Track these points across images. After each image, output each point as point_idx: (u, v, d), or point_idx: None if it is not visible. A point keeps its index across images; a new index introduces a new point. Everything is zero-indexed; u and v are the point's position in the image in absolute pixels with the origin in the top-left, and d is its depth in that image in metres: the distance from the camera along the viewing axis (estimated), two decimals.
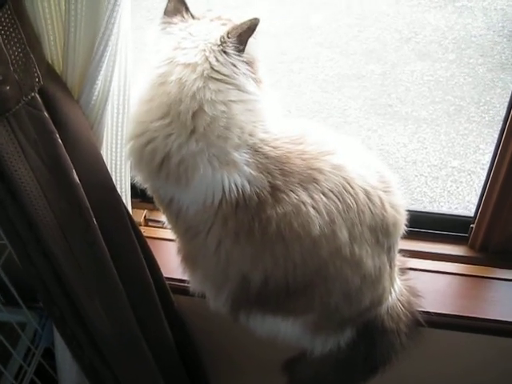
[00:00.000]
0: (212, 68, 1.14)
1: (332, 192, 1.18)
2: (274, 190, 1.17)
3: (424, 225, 1.68)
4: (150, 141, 1.17)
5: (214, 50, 1.15)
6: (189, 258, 1.34)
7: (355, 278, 1.25)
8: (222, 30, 1.18)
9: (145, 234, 1.51)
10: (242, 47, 1.15)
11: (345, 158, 1.22)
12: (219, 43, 1.16)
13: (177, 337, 1.56)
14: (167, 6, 1.22)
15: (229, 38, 1.15)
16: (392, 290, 1.40)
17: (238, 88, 1.16)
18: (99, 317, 1.29)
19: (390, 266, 1.34)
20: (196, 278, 1.37)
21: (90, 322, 1.31)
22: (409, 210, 1.35)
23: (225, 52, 1.15)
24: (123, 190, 1.47)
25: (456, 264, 1.63)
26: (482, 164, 3.29)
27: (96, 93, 1.16)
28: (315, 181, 1.18)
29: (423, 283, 1.53)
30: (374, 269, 1.26)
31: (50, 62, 1.10)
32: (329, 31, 4.34)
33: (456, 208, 3.09)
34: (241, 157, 1.16)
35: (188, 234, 1.28)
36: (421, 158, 3.39)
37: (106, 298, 1.29)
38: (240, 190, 1.16)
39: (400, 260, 1.48)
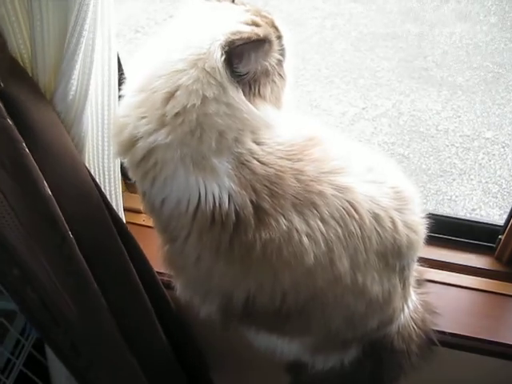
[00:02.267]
0: (203, 54, 1.02)
1: (333, 218, 1.06)
2: (259, 211, 1.05)
3: (447, 231, 1.56)
4: (125, 116, 1.07)
5: (216, 40, 1.03)
6: (170, 261, 1.23)
7: (359, 304, 1.15)
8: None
9: (143, 223, 1.44)
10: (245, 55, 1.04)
11: (353, 176, 1.09)
12: (225, 40, 1.03)
13: (175, 339, 1.51)
14: None
15: (234, 41, 1.02)
16: (405, 306, 1.30)
17: (222, 87, 1.03)
18: (81, 329, 1.23)
19: (404, 286, 1.24)
20: (180, 284, 1.27)
21: (71, 330, 1.25)
22: (431, 214, 1.25)
23: (225, 51, 1.02)
24: (112, 192, 1.38)
25: (479, 278, 1.51)
26: None
27: (72, 91, 1.06)
28: (313, 205, 1.05)
29: (441, 298, 1.43)
30: (383, 293, 1.16)
31: (19, 59, 1.01)
32: None
33: (486, 182, 2.99)
34: (221, 165, 1.04)
35: (166, 235, 1.18)
36: (453, 127, 3.28)
37: (87, 311, 1.21)
38: (217, 203, 1.05)
39: (417, 270, 1.38)
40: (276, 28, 1.11)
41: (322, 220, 1.05)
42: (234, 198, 1.04)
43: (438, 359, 1.39)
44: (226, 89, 1.02)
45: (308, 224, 1.05)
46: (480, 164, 3.08)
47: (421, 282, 1.43)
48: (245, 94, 1.05)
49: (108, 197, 1.32)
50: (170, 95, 1.02)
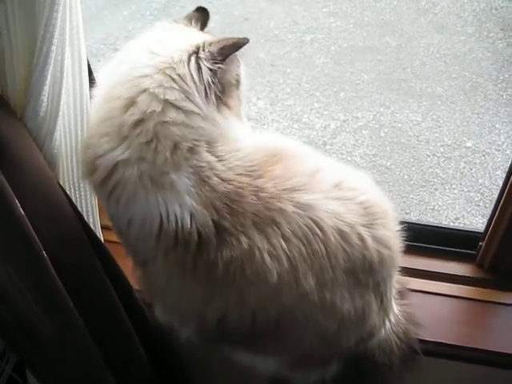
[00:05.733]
0: (171, 62, 1.03)
1: (295, 236, 1.04)
2: (220, 230, 1.02)
3: (427, 239, 1.56)
4: (89, 135, 1.07)
5: (185, 50, 1.04)
6: (144, 285, 1.22)
7: (330, 323, 1.13)
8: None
9: None
10: (219, 59, 1.03)
11: (316, 193, 1.07)
12: (197, 46, 1.05)
13: (156, 356, 1.49)
14: (190, 13, 1.17)
15: (210, 45, 1.04)
16: (387, 320, 1.28)
17: (185, 94, 1.02)
18: (57, 349, 1.21)
19: (381, 301, 1.21)
20: (157, 308, 1.25)
21: (47, 350, 1.22)
22: (410, 223, 1.24)
23: (197, 56, 1.04)
24: (89, 210, 1.36)
25: (461, 286, 1.51)
26: (498, 145, 3.20)
27: (43, 108, 1.04)
28: (274, 223, 1.03)
29: (423, 307, 1.41)
30: (355, 310, 1.13)
31: None
32: (342, 0, 4.18)
33: (468, 191, 2.99)
34: (180, 181, 1.02)
35: (137, 259, 1.17)
36: (434, 137, 3.29)
37: (63, 330, 1.18)
38: (180, 223, 1.03)
39: (399, 281, 1.37)
40: (237, 58, 1.11)
41: (284, 238, 1.03)
42: (195, 218, 1.02)
43: (422, 369, 1.37)
44: (189, 95, 1.02)
45: (270, 242, 1.03)
46: (461, 173, 3.09)
47: (403, 293, 1.41)
48: (216, 101, 1.06)
49: (84, 215, 1.30)
50: (131, 101, 1.01)
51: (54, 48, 0.97)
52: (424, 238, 1.55)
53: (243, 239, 1.02)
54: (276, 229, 1.03)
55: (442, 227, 1.65)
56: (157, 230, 1.04)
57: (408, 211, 2.92)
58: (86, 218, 1.29)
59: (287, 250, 1.03)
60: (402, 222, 1.23)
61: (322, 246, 1.05)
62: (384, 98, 3.53)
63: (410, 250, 1.28)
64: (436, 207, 2.93)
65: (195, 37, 1.10)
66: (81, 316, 1.20)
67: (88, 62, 1.34)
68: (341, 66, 3.74)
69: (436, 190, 3.01)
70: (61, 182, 1.21)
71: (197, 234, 1.03)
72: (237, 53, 1.09)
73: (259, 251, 1.02)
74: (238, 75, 1.13)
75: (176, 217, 1.02)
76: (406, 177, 3.08)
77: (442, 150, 3.21)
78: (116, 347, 1.35)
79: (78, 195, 1.30)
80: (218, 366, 1.61)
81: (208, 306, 1.11)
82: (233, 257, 1.02)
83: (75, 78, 1.13)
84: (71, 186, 1.28)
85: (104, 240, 1.42)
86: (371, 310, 1.18)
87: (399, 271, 1.32)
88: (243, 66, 1.16)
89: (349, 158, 3.20)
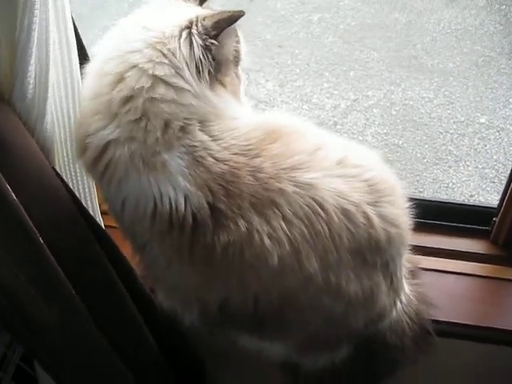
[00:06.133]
0: (162, 37, 0.99)
1: (296, 217, 1.00)
2: (216, 213, 0.99)
3: (438, 216, 1.51)
4: (82, 114, 1.05)
5: (178, 25, 1.01)
6: (144, 271, 1.20)
7: (336, 305, 1.10)
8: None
9: None
10: (213, 34, 1.00)
11: (317, 172, 1.03)
12: (190, 21, 1.01)
13: (165, 342, 1.46)
14: None
15: (204, 20, 1.00)
16: (398, 301, 1.25)
17: (176, 69, 0.99)
18: (59, 336, 1.18)
19: (391, 281, 1.18)
20: (160, 293, 1.22)
21: (49, 338, 1.19)
22: (421, 199, 1.21)
23: (189, 31, 1.00)
24: (87, 196, 1.33)
25: (475, 263, 1.46)
26: None
27: (30, 90, 1.00)
28: (274, 204, 0.99)
29: (436, 286, 1.38)
30: (363, 292, 1.10)
31: None
32: None
33: (483, 168, 2.94)
34: (173, 161, 0.99)
35: (134, 244, 1.14)
36: (447, 113, 3.22)
37: (65, 318, 1.15)
38: (174, 206, 0.99)
39: (410, 260, 1.33)
40: (237, 32, 1.09)
41: (285, 219, 1.00)
42: (190, 200, 0.99)
43: (436, 350, 1.34)
44: (180, 71, 0.98)
45: (269, 224, 0.99)
46: (475, 149, 3.03)
47: (414, 272, 1.37)
48: (209, 78, 1.02)
49: (83, 201, 1.27)
50: (120, 77, 0.98)
51: (36, 20, 0.93)
52: (435, 215, 1.51)
53: (241, 222, 0.99)
54: (276, 210, 1.00)
55: (453, 203, 1.61)
56: (151, 213, 1.01)
57: (422, 190, 2.87)
58: (84, 203, 1.25)
59: (288, 232, 1.00)
60: (412, 199, 1.20)
61: (325, 227, 1.01)
62: (394, 76, 3.46)
63: (421, 228, 1.25)
64: (450, 185, 2.88)
65: (191, 12, 1.06)
66: (83, 302, 1.18)
67: (80, 37, 1.30)
68: (350, 45, 3.67)
69: (450, 167, 2.95)
70: (57, 168, 1.18)
71: (191, 217, 1.00)
72: (236, 28, 1.06)
73: (258, 234, 0.99)
74: (236, 51, 1.10)
75: (170, 199, 0.99)
76: (418, 155, 3.03)
77: (455, 126, 3.15)
78: (121, 332, 1.33)
79: (75, 181, 1.28)
80: (227, 351, 1.59)
81: (209, 290, 1.09)
82: (230, 240, 0.99)
83: (63, 56, 1.10)
84: (67, 172, 1.25)
85: (105, 225, 1.38)
86: (380, 291, 1.14)
87: (410, 250, 1.28)
88: (243, 41, 1.12)
89: (360, 138, 3.15)
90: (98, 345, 1.25)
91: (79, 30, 1.30)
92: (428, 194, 2.85)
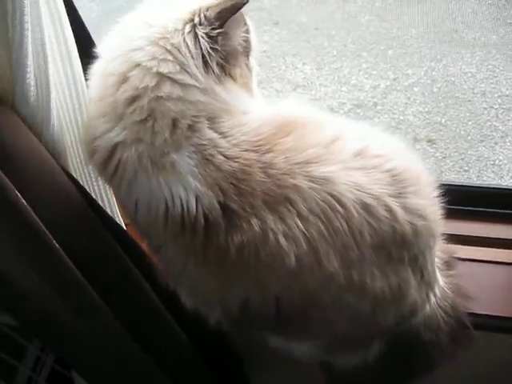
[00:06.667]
0: (165, 32, 0.96)
1: (312, 214, 0.96)
2: (228, 213, 0.96)
3: (476, 202, 1.44)
4: (89, 116, 1.03)
5: (181, 18, 0.97)
6: (164, 271, 1.17)
7: (362, 303, 1.06)
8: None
9: None
10: (218, 24, 0.96)
11: (334, 165, 0.98)
12: (192, 13, 0.97)
13: (197, 337, 1.45)
14: None
15: (207, 10, 0.96)
16: (431, 295, 1.19)
17: (181, 65, 0.95)
18: (84, 341, 1.18)
19: (422, 275, 1.12)
20: (182, 293, 1.18)
21: (76, 342, 1.19)
22: (457, 185, 1.15)
23: (193, 23, 0.96)
24: (103, 196, 1.32)
25: None
26: None
27: (31, 92, 0.98)
28: (288, 201, 0.95)
29: (474, 277, 1.31)
30: (390, 289, 1.05)
31: None
32: None
33: None
34: (182, 161, 0.96)
35: (151, 245, 1.12)
36: (490, 88, 3.13)
37: (88, 322, 1.15)
38: (185, 207, 0.97)
39: (445, 250, 1.27)
40: (245, 21, 1.05)
41: (300, 217, 0.96)
42: (201, 200, 0.96)
43: (474, 344, 1.28)
44: (185, 66, 0.95)
45: (284, 222, 0.95)
46: None
47: (450, 263, 1.32)
48: (218, 71, 0.99)
49: (100, 201, 1.26)
50: (124, 77, 0.95)
51: (27, 18, 0.90)
52: (470, 201, 1.44)
53: (254, 221, 0.95)
54: (290, 207, 0.95)
55: (490, 187, 1.52)
56: (163, 215, 0.99)
57: (467, 168, 2.80)
58: (102, 204, 1.25)
59: (304, 230, 0.96)
60: (442, 185, 1.13)
61: (344, 223, 0.97)
62: (435, 52, 3.38)
63: (454, 215, 1.19)
64: (497, 162, 2.80)
65: (194, 3, 1.02)
66: (104, 299, 1.16)
67: (91, 36, 1.28)
68: (387, 23, 3.59)
69: (496, 144, 2.87)
70: (72, 171, 1.17)
71: (203, 218, 0.97)
72: (245, 17, 1.03)
73: (273, 233, 0.95)
74: (246, 41, 1.06)
75: (181, 199, 0.97)
76: (462, 132, 2.95)
77: (499, 101, 3.05)
78: (153, 334, 1.32)
79: (90, 182, 1.27)
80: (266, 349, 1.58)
81: (227, 291, 1.06)
82: (244, 241, 0.96)
83: (63, 57, 1.08)
84: (82, 174, 1.24)
85: (126, 224, 1.37)
86: (409, 286, 1.09)
87: (444, 239, 1.22)
88: (253, 30, 1.08)
89: (401, 118, 3.09)
90: (121, 341, 1.25)
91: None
92: (474, 173, 2.77)
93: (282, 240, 0.96)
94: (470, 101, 3.08)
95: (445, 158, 2.87)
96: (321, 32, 3.69)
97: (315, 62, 3.51)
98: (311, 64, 3.51)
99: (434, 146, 2.92)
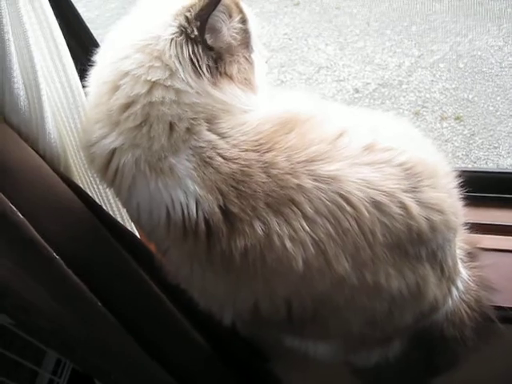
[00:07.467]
0: (148, 38, 0.93)
1: (319, 215, 0.91)
2: (229, 217, 0.92)
3: (500, 188, 1.36)
4: (86, 121, 1.02)
5: (164, 22, 0.94)
6: (173, 274, 1.12)
7: (377, 304, 1.02)
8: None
9: None
10: (198, 24, 0.92)
11: (340, 162, 0.93)
12: (175, 15, 0.94)
13: (217, 339, 1.43)
14: None
15: (189, 11, 0.93)
16: (453, 289, 1.14)
17: (169, 71, 0.92)
18: (92, 350, 1.16)
19: (442, 270, 1.07)
20: (193, 295, 1.14)
21: (84, 352, 1.17)
22: (477, 171, 1.09)
23: (175, 28, 0.93)
24: (112, 204, 1.29)
25: None
26: None
27: (21, 99, 0.96)
28: (292, 202, 0.91)
29: (500, 269, 1.24)
30: (408, 287, 1.01)
31: None
32: None
33: None
34: (180, 165, 0.93)
35: (157, 248, 1.09)
36: None
37: (96, 332, 1.13)
38: (186, 213, 0.93)
39: (468, 241, 1.22)
40: (240, 10, 0.99)
41: (306, 219, 0.91)
42: (201, 205, 0.92)
43: (500, 338, 1.23)
44: (174, 71, 0.92)
45: (290, 225, 0.91)
46: None
47: (473, 254, 1.26)
48: (210, 74, 0.95)
49: (109, 210, 1.25)
50: (115, 86, 0.93)
51: (5, 21, 0.88)
52: (494, 187, 1.37)
53: (257, 224, 0.91)
54: (295, 209, 0.91)
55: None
56: (165, 220, 0.96)
57: (496, 145, 2.74)
58: (111, 212, 1.23)
59: (311, 232, 0.92)
60: (464, 172, 1.08)
61: (354, 223, 0.92)
62: (460, 26, 3.28)
63: (477, 202, 1.13)
64: None
65: (177, 4, 0.97)
66: (115, 309, 1.14)
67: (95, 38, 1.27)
68: None
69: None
70: (76, 178, 1.15)
71: (204, 224, 0.93)
72: (241, 6, 0.99)
73: (278, 236, 0.91)
74: (244, 31, 1.01)
75: (181, 204, 0.94)
76: (491, 108, 2.89)
77: None
78: (169, 342, 1.30)
79: (97, 189, 1.25)
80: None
81: (236, 295, 1.03)
82: (248, 245, 0.92)
83: (55, 62, 1.05)
84: (88, 182, 1.22)
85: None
86: (428, 283, 1.04)
87: (467, 228, 1.18)
88: (252, 16, 1.02)
89: (427, 95, 3.04)
90: (131, 350, 1.22)
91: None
92: (503, 150, 2.71)
93: (288, 243, 0.92)
94: (497, 75, 3.02)
95: (473, 135, 2.80)
96: (342, 11, 3.64)
97: (338, 43, 3.47)
98: (334, 44, 3.46)
99: (461, 123, 2.86)
